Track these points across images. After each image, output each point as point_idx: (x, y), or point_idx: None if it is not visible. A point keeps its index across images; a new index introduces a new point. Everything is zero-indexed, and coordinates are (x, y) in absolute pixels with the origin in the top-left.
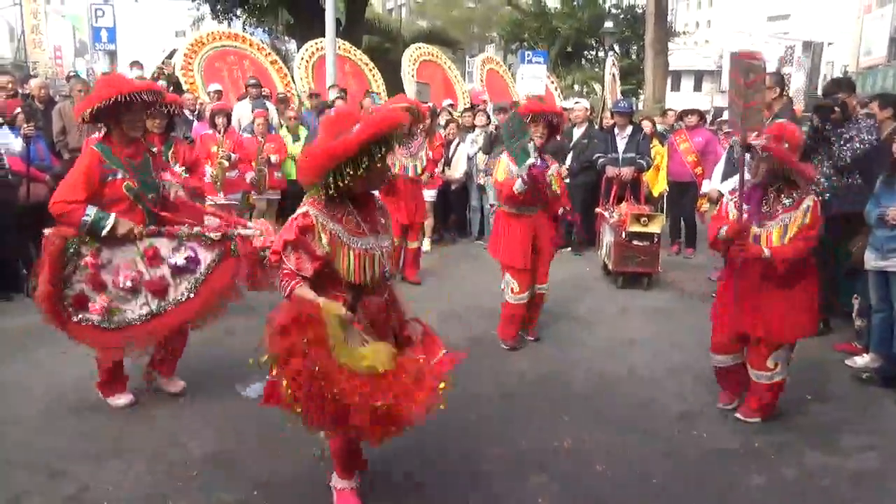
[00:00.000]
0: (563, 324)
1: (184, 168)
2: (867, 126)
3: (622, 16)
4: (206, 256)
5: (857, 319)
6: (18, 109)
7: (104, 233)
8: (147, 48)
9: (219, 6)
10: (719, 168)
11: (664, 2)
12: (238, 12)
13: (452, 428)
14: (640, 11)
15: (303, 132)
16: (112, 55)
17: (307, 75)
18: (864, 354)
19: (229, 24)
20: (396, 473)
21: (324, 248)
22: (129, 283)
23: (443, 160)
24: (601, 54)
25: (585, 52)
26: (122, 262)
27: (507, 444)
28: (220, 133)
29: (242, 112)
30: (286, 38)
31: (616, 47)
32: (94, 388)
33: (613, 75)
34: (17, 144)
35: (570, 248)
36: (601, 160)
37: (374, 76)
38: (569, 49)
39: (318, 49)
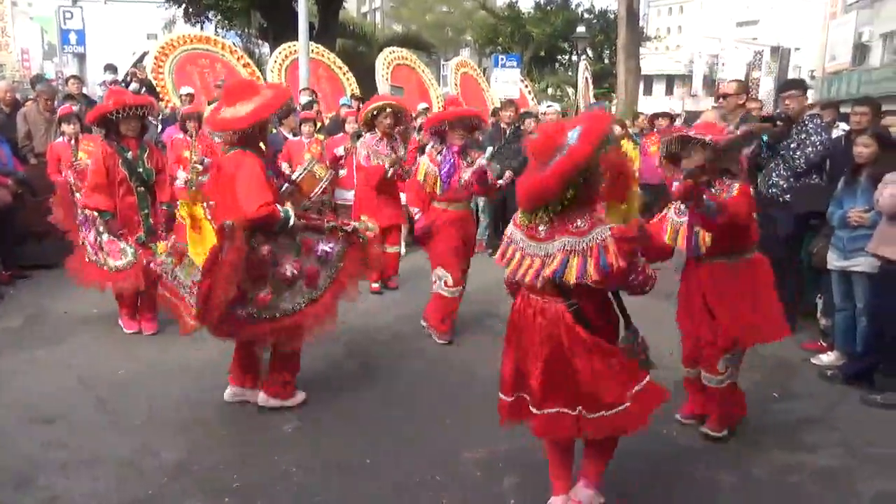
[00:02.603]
0: None
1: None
2: (815, 127)
3: (595, 20)
4: (335, 247)
5: (821, 318)
6: None
7: (290, 224)
8: (118, 51)
9: (191, 9)
10: None
11: (636, 7)
12: (210, 15)
13: (428, 429)
14: (612, 16)
15: None
16: (81, 58)
17: (280, 78)
18: (830, 353)
19: (202, 27)
20: (371, 471)
21: None
22: (292, 273)
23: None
24: (574, 58)
25: (559, 57)
26: (285, 253)
27: (483, 446)
28: (191, 137)
29: None
30: (259, 41)
31: (589, 52)
32: (268, 395)
33: (586, 79)
34: None
35: None
36: None
37: (347, 80)
38: (542, 53)
39: (291, 52)
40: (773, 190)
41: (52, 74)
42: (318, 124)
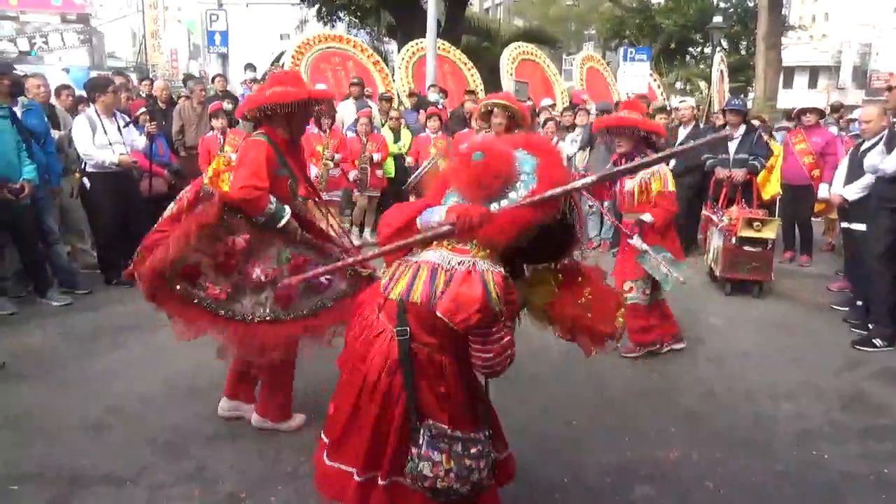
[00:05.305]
0: None
1: None
2: None
3: (731, 10)
4: (339, 284)
5: None
6: (143, 109)
7: (280, 224)
8: (254, 51)
9: (323, 9)
10: (842, 171)
11: None
12: (341, 14)
13: (553, 432)
14: (751, 4)
15: (404, 132)
16: (224, 58)
17: (407, 75)
18: None
19: (332, 26)
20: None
21: None
22: (262, 278)
23: None
24: (707, 50)
25: (690, 49)
26: (263, 254)
27: (611, 453)
28: (324, 132)
29: (346, 111)
30: (386, 38)
31: (724, 43)
32: (267, 420)
33: (721, 72)
34: (140, 142)
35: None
36: (710, 161)
37: (472, 76)
38: (672, 45)
39: (418, 49)
40: None
41: (197, 73)
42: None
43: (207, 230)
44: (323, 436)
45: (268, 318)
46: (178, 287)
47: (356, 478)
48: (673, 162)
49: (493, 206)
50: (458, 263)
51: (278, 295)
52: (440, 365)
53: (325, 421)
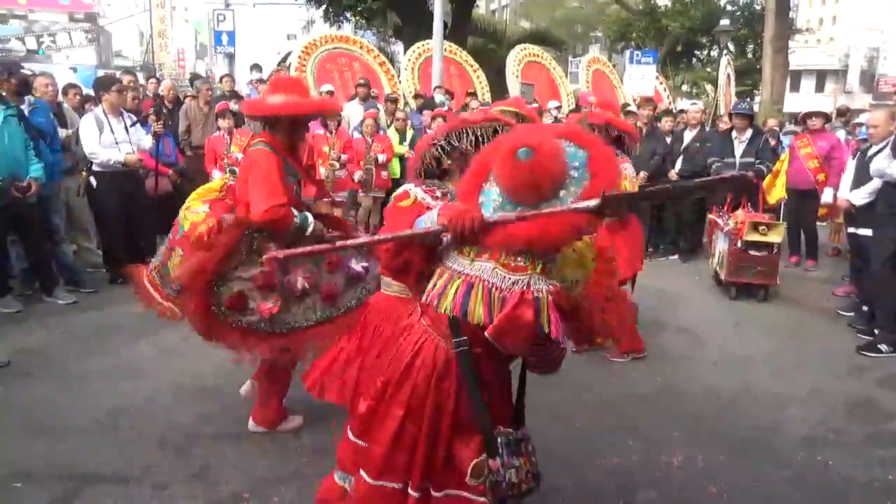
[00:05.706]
0: (671, 336)
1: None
2: None
3: (739, 13)
4: (371, 266)
5: None
6: (151, 109)
7: (308, 233)
8: (261, 51)
9: (330, 9)
10: (848, 175)
11: None
12: (348, 15)
13: (555, 433)
14: (758, 8)
15: (410, 133)
16: (231, 57)
17: (413, 76)
18: None
19: (339, 27)
20: None
21: None
22: (303, 286)
23: None
24: (713, 53)
25: (696, 52)
26: (296, 262)
27: (614, 456)
28: (331, 133)
29: (352, 112)
30: (393, 39)
31: (731, 46)
32: (253, 422)
33: (728, 76)
34: (147, 141)
35: (676, 256)
36: (716, 164)
37: (478, 77)
38: (678, 48)
39: (424, 51)
40: None
41: (204, 73)
42: None
43: (238, 257)
44: (352, 437)
45: (325, 318)
46: (231, 321)
47: (412, 493)
48: (679, 164)
49: (544, 208)
50: (513, 283)
51: (324, 295)
52: (488, 369)
53: (353, 421)
